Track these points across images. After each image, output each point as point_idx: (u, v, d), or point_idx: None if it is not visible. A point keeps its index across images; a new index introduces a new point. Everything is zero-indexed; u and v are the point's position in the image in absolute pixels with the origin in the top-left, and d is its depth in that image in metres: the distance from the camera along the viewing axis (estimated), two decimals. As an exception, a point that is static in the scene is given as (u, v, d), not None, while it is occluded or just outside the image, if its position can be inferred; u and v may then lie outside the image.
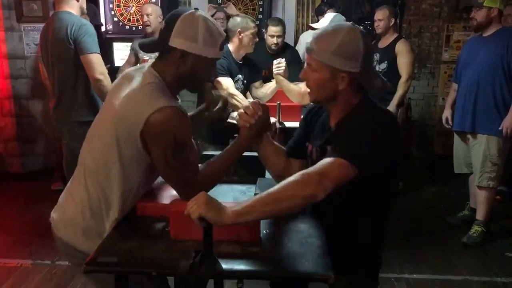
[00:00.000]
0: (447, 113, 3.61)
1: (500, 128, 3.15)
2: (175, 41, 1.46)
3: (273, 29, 3.65)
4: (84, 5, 2.94)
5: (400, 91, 3.91)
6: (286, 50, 3.78)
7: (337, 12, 3.73)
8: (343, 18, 2.88)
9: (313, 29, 2.79)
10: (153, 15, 3.87)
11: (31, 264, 3.03)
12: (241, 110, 1.57)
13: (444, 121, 3.64)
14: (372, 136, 1.38)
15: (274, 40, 3.64)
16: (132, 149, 1.46)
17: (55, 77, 2.89)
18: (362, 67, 1.41)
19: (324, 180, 1.27)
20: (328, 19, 2.81)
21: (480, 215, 3.36)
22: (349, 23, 1.48)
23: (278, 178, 1.57)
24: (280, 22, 3.73)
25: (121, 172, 1.49)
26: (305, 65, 1.52)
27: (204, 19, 1.47)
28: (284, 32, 3.73)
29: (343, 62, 1.40)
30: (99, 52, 2.81)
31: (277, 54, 3.57)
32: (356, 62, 1.41)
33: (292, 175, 1.30)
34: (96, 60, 2.77)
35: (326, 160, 1.33)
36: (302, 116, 1.79)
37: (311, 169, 1.32)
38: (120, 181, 1.50)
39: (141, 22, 4.18)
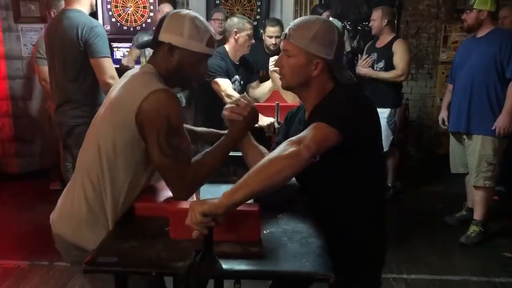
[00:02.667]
0: (443, 114, 3.62)
1: (493, 128, 3.16)
2: (163, 36, 1.53)
3: (271, 30, 3.67)
4: (94, 2, 2.87)
5: (386, 74, 3.91)
6: (284, 50, 3.78)
7: (334, 12, 3.75)
8: None
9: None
10: None
11: (28, 265, 3.02)
12: (232, 104, 1.58)
13: (440, 122, 3.65)
14: (346, 104, 1.46)
15: (272, 40, 3.65)
16: (128, 136, 1.48)
17: (60, 77, 2.79)
18: (335, 56, 1.49)
19: (305, 140, 1.31)
20: None
21: (477, 215, 3.37)
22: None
23: None
24: (278, 23, 3.74)
25: (114, 163, 1.50)
26: (281, 52, 1.56)
27: (192, 17, 1.54)
28: (282, 32, 3.74)
29: (319, 48, 1.48)
30: (110, 56, 2.76)
31: (275, 54, 3.57)
32: (331, 49, 1.48)
33: None
34: (107, 64, 2.70)
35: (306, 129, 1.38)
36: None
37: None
38: (113, 174, 1.51)
39: (154, 18, 4.28)
